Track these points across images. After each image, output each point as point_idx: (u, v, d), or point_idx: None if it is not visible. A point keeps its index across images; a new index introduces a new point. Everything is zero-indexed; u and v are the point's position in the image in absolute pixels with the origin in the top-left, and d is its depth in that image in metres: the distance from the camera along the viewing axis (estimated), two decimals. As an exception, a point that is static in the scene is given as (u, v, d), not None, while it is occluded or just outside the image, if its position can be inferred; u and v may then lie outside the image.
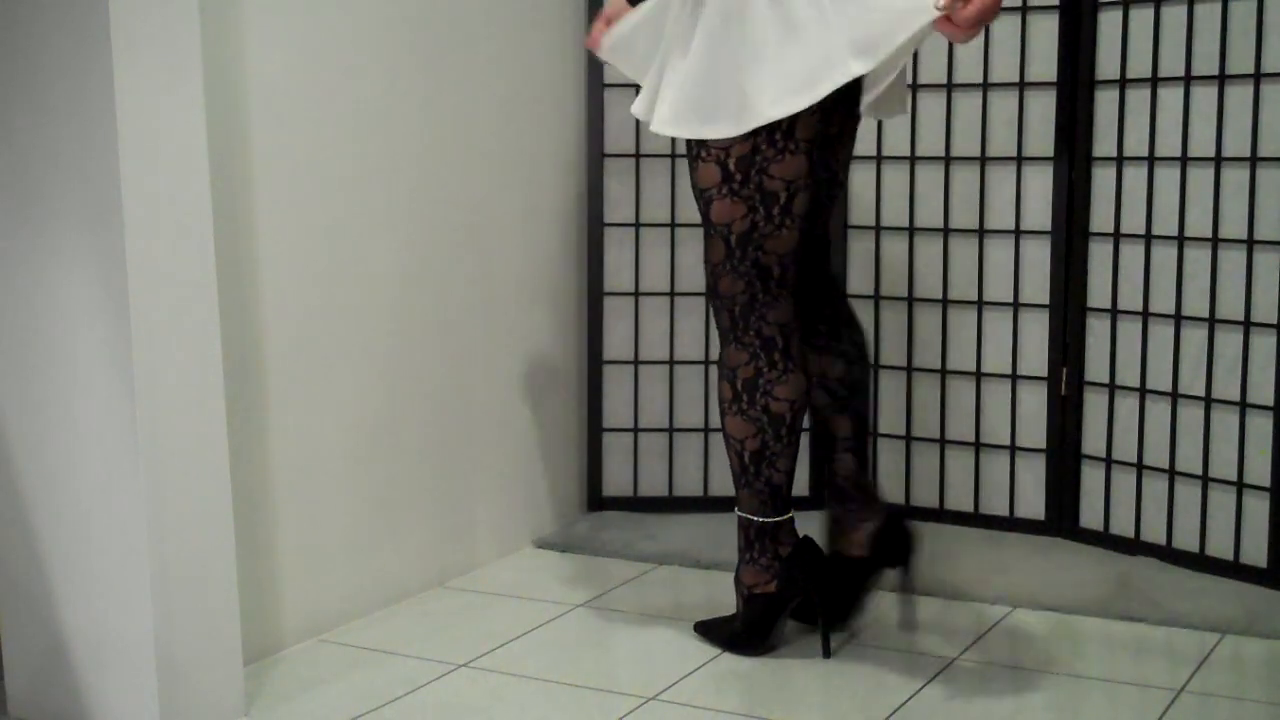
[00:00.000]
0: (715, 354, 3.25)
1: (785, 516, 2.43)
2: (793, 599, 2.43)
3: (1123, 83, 2.90)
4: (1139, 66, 2.88)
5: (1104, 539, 3.00)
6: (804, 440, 3.17)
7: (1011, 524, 3.11)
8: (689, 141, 2.34)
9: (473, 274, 2.91)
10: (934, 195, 3.11)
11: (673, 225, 3.23)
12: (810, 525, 2.53)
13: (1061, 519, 3.07)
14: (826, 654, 2.42)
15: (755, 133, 2.26)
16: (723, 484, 3.28)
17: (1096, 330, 2.99)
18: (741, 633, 2.46)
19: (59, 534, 2.17)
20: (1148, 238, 2.88)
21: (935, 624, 2.55)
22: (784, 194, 2.31)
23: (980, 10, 2.10)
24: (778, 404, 2.37)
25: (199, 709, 2.18)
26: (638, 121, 3.21)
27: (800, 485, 3.25)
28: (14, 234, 2.13)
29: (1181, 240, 2.83)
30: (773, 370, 2.36)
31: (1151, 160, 2.87)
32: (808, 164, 2.31)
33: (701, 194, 2.35)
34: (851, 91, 2.28)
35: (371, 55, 2.63)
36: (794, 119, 2.25)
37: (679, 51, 2.30)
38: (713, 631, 2.51)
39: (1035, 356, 3.06)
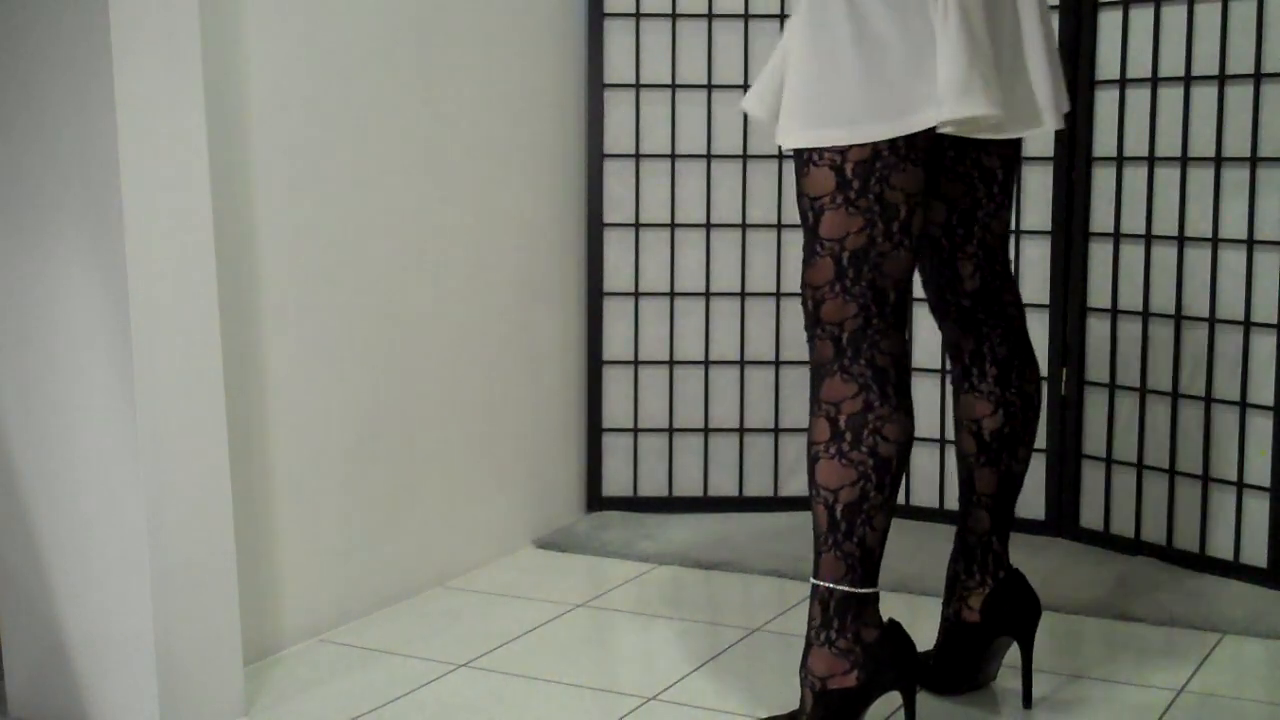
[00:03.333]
0: (715, 354, 3.25)
1: (873, 590, 2.04)
2: (875, 696, 2.04)
3: (1123, 83, 2.90)
4: (1139, 66, 2.88)
5: (1104, 539, 3.00)
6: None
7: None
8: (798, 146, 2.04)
9: (472, 273, 2.91)
10: (934, 195, 3.11)
11: (673, 225, 3.23)
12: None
13: (1061, 519, 3.07)
14: None
15: None
16: (723, 484, 3.29)
17: (1096, 330, 2.99)
18: None
19: (59, 534, 2.16)
20: (1148, 238, 2.88)
21: (936, 624, 2.55)
22: (904, 208, 2.00)
23: None
24: (886, 446, 2.00)
25: (199, 709, 2.18)
26: (638, 121, 3.21)
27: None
28: (14, 234, 2.13)
29: (1181, 240, 2.83)
30: (884, 405, 2.00)
31: (1151, 160, 2.87)
32: (925, 178, 2.02)
33: (812, 204, 2.02)
34: None
35: (372, 55, 2.63)
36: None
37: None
38: None
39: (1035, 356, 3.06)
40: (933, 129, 1.99)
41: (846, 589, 2.02)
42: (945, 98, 1.95)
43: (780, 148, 2.93)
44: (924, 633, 2.52)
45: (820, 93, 1.99)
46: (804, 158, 2.02)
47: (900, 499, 3.22)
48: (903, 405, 2.03)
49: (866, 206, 1.99)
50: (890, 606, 2.64)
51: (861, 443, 2.00)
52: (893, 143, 1.97)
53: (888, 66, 1.96)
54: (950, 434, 3.16)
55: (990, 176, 2.19)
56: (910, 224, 2.02)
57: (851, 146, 1.98)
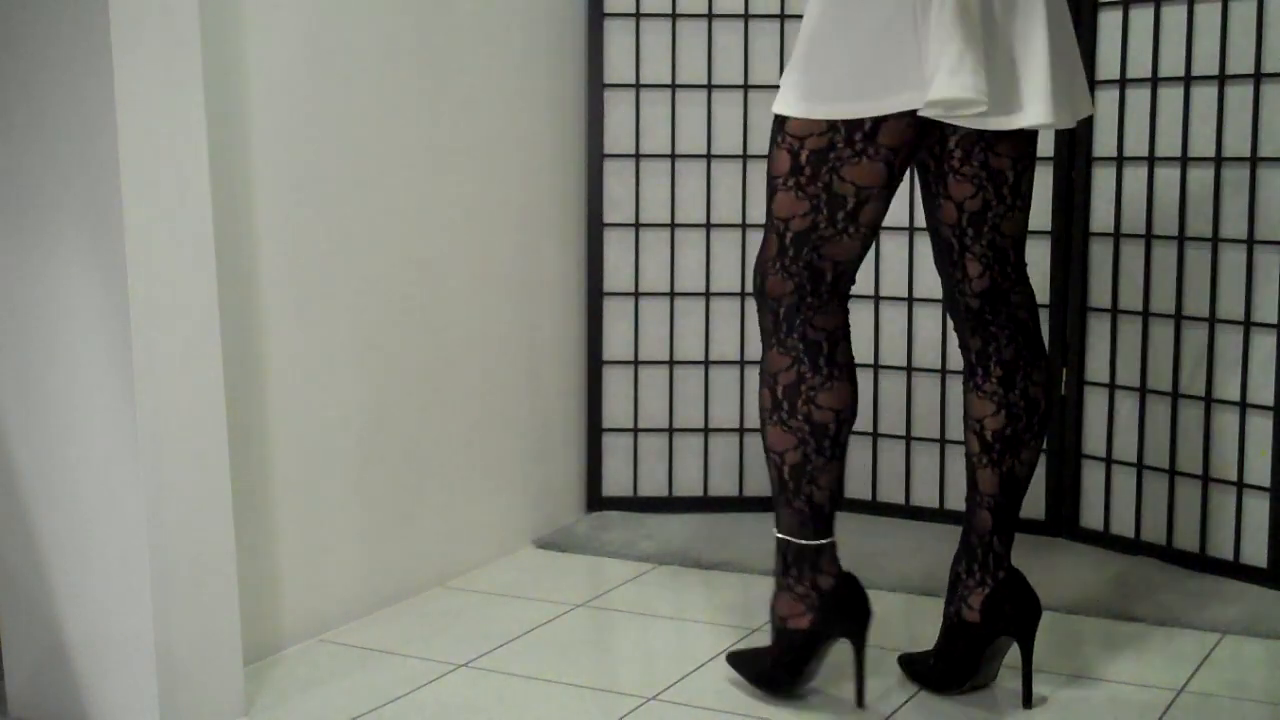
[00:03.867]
0: (715, 354, 3.25)
1: (826, 541, 2.22)
2: (829, 639, 2.22)
3: (1123, 83, 2.90)
4: (1139, 66, 2.88)
5: (1104, 539, 3.00)
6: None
7: (1011, 524, 3.11)
8: (773, 125, 2.17)
9: (472, 273, 2.91)
10: (934, 195, 3.11)
11: (673, 225, 3.23)
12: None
13: (1061, 519, 3.07)
14: (860, 703, 2.23)
15: (835, 127, 2.10)
16: (723, 484, 3.29)
17: (1096, 330, 2.99)
18: (772, 669, 2.27)
19: (59, 534, 2.16)
20: (1148, 238, 2.88)
21: (936, 625, 2.55)
22: (852, 199, 2.13)
23: None
24: (821, 413, 2.17)
25: (199, 709, 2.18)
26: (638, 121, 3.21)
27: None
28: (14, 234, 2.13)
29: (1181, 240, 2.83)
30: (816, 375, 2.17)
31: (1151, 160, 2.87)
32: (886, 173, 2.12)
33: (769, 181, 2.18)
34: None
35: (372, 55, 2.63)
36: (878, 121, 2.09)
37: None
38: (745, 665, 2.34)
39: (1035, 356, 3.06)
40: (908, 122, 2.09)
41: (801, 542, 2.21)
42: (933, 77, 2.03)
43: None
44: (924, 633, 2.52)
45: (808, 70, 2.10)
46: (773, 136, 2.16)
47: (900, 499, 3.22)
48: (836, 374, 2.18)
49: (814, 193, 2.14)
50: (890, 605, 2.64)
51: (797, 411, 2.18)
52: (850, 136, 2.09)
53: (867, 51, 2.07)
54: (950, 434, 3.16)
55: (1000, 178, 2.19)
56: (858, 215, 2.14)
57: (810, 134, 2.11)
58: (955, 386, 3.14)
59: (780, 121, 2.14)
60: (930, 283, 3.13)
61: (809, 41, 2.10)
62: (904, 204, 3.14)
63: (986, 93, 2.03)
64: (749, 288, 3.25)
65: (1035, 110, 2.10)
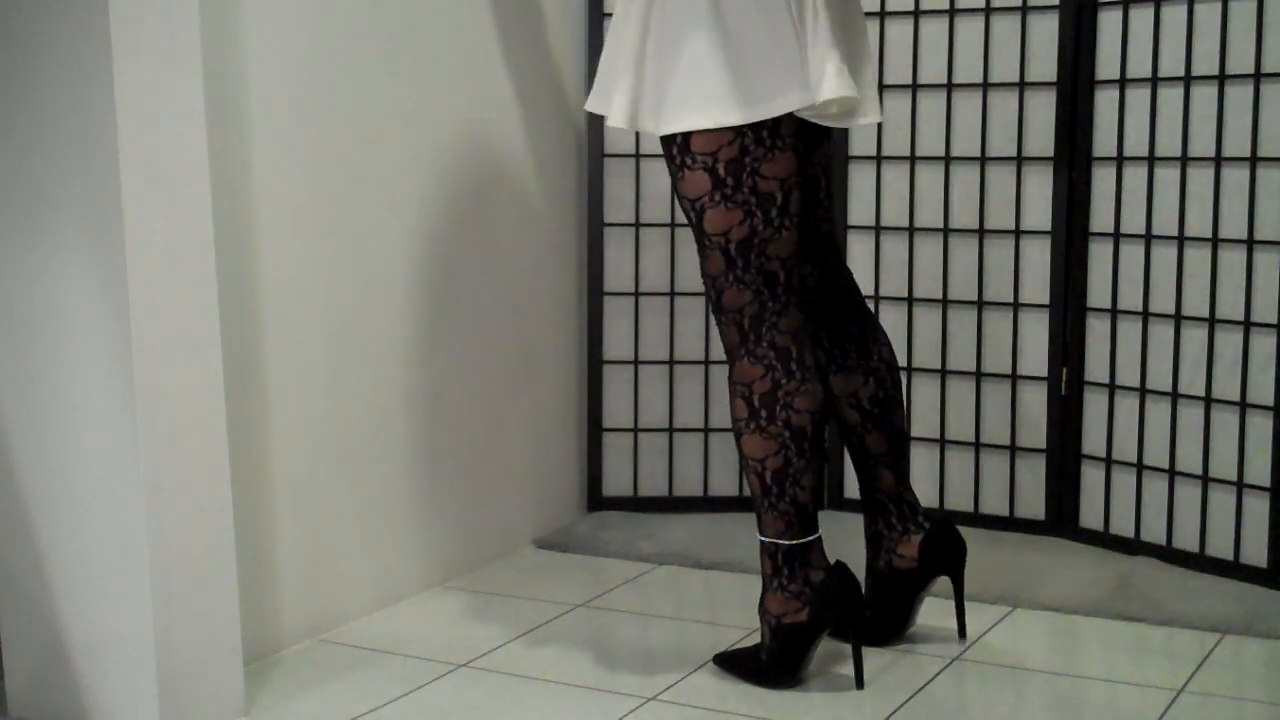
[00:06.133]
0: (715, 354, 3.25)
1: (814, 537, 2.28)
2: (826, 628, 2.28)
3: (1123, 83, 2.90)
4: (1139, 66, 2.88)
5: (1104, 539, 2.99)
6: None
7: (1011, 524, 3.11)
8: (671, 151, 2.24)
9: (472, 273, 2.91)
10: (934, 195, 3.11)
11: (673, 225, 3.23)
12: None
13: (1061, 519, 3.07)
14: (860, 684, 2.29)
15: (742, 133, 2.18)
16: (723, 484, 3.29)
17: (1096, 330, 2.99)
18: (769, 666, 2.32)
19: (59, 534, 2.17)
20: (1148, 238, 2.88)
21: (935, 624, 2.55)
22: (779, 193, 2.23)
23: None
24: (799, 416, 2.24)
25: (199, 709, 2.18)
26: (638, 121, 3.21)
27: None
28: (14, 234, 2.13)
29: (1181, 240, 2.83)
30: (790, 381, 2.24)
31: (1151, 160, 2.87)
32: (797, 160, 2.24)
33: (692, 205, 2.25)
34: None
35: (371, 55, 2.63)
36: (778, 117, 2.20)
37: (666, 46, 2.22)
38: (736, 665, 2.37)
39: (1035, 356, 3.06)
40: (796, 111, 2.20)
41: (789, 543, 2.27)
42: (818, 81, 2.17)
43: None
44: (922, 625, 2.52)
45: (691, 85, 2.18)
46: (678, 161, 2.23)
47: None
48: (807, 377, 2.26)
49: (744, 199, 2.22)
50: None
51: (775, 418, 2.24)
52: (758, 135, 2.19)
53: (749, 57, 2.16)
54: (950, 434, 3.16)
55: (815, 184, 2.39)
56: (788, 207, 2.24)
57: (721, 146, 2.18)
58: (955, 386, 3.14)
59: (684, 144, 2.21)
60: (930, 283, 3.13)
61: (699, 58, 2.17)
62: (904, 203, 3.14)
63: (855, 88, 2.22)
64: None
65: (876, 108, 2.32)
